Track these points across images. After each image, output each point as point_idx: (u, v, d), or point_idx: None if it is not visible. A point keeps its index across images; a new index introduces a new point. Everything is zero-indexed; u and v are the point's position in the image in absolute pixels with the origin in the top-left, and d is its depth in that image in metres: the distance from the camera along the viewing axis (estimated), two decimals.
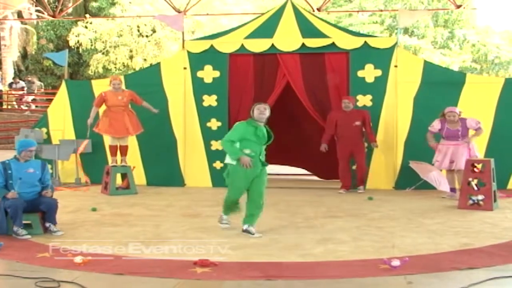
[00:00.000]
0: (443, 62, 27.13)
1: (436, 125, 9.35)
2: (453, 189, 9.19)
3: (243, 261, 5.31)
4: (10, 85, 25.15)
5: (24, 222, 6.36)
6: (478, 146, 9.98)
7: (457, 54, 29.96)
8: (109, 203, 8.88)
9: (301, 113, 11.40)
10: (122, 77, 10.67)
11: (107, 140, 10.71)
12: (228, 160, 6.48)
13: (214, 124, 10.84)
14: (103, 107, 10.37)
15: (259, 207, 6.46)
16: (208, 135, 10.87)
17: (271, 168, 12.86)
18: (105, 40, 27.11)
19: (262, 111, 6.41)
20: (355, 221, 7.37)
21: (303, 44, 10.59)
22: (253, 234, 6.33)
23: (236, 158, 6.31)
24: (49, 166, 10.61)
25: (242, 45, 10.79)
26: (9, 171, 6.44)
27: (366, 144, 10.29)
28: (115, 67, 27.49)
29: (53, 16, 19.91)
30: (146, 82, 11.11)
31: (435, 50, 29.44)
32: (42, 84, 25.79)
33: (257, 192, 6.43)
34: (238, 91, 10.84)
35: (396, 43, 10.59)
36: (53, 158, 10.93)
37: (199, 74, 10.97)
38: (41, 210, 6.51)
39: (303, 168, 12.99)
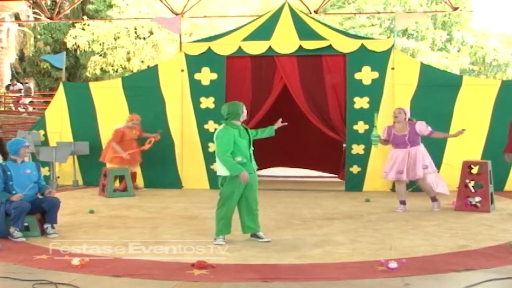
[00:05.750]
0: (442, 64, 27.13)
1: (384, 133, 8.38)
2: (403, 202, 8.38)
3: (240, 263, 5.32)
4: (8, 87, 25.11)
5: None
6: (475, 148, 10.03)
7: (455, 56, 30.00)
8: (106, 205, 8.89)
9: (299, 115, 11.42)
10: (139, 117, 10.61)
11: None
12: (222, 172, 6.09)
13: (211, 126, 10.85)
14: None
15: (255, 213, 6.22)
16: (205, 137, 10.88)
17: (269, 170, 13.02)
18: (102, 42, 27.08)
19: (245, 112, 6.22)
20: (352, 223, 7.38)
21: (300, 46, 10.61)
22: (262, 238, 6.21)
23: (236, 174, 5.94)
24: (46, 169, 10.75)
25: (240, 47, 10.81)
26: (8, 172, 6.46)
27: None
28: (112, 69, 27.46)
29: (51, 19, 19.84)
30: (144, 84, 11.16)
31: (433, 52, 29.45)
32: (31, 87, 25.44)
33: (251, 199, 6.16)
34: (235, 93, 10.84)
35: (393, 46, 10.62)
36: (50, 160, 10.93)
37: (197, 76, 11.00)
38: (43, 209, 6.52)
39: (303, 168, 13.22)
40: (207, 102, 10.95)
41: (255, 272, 4.97)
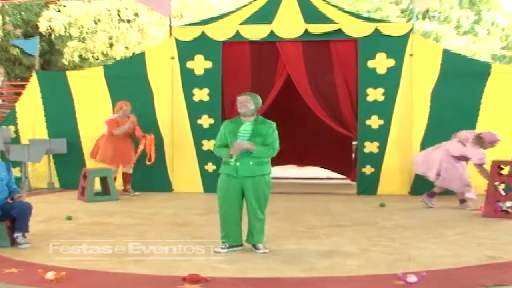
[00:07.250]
0: (469, 50, 27.08)
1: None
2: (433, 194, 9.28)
3: (237, 276, 5.34)
4: None
5: None
6: (505, 145, 10.10)
7: (484, 40, 29.90)
8: (86, 210, 8.91)
9: (305, 108, 11.43)
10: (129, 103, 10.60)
11: (85, 141, 10.85)
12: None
13: (205, 121, 10.89)
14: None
15: (256, 221, 6.28)
16: (199, 134, 10.91)
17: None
18: (81, 26, 27.05)
19: (242, 103, 6.15)
20: (364, 231, 7.40)
21: (306, 30, 10.63)
22: (259, 249, 6.26)
23: (228, 157, 6.13)
24: (17, 169, 10.76)
25: (237, 31, 10.83)
26: None
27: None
28: (93, 56, 27.45)
29: None
30: (129, 74, 11.17)
31: (459, 36, 29.37)
32: None
33: (250, 204, 6.25)
34: (232, 84, 10.89)
35: (411, 29, 10.63)
36: (22, 160, 10.93)
37: (189, 64, 11.02)
38: (12, 216, 6.48)
39: (310, 165, 13.38)
40: (201, 94, 10.97)
41: (253, 286, 4.99)
